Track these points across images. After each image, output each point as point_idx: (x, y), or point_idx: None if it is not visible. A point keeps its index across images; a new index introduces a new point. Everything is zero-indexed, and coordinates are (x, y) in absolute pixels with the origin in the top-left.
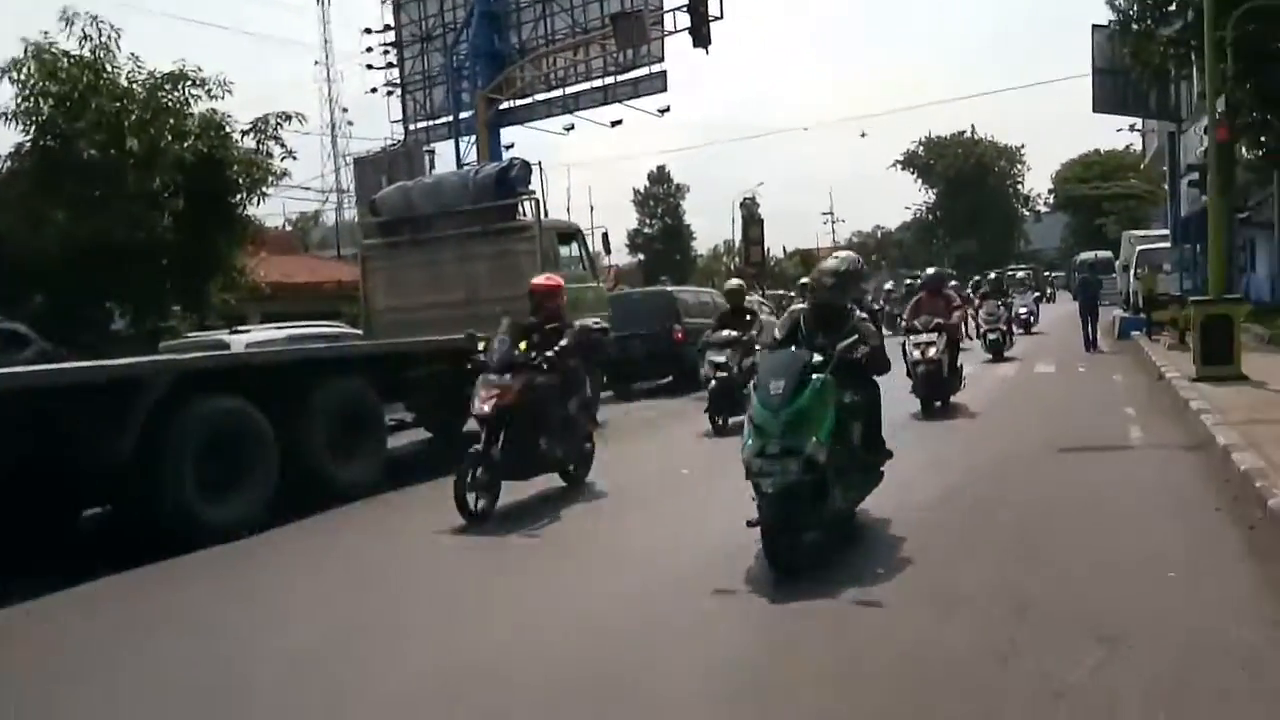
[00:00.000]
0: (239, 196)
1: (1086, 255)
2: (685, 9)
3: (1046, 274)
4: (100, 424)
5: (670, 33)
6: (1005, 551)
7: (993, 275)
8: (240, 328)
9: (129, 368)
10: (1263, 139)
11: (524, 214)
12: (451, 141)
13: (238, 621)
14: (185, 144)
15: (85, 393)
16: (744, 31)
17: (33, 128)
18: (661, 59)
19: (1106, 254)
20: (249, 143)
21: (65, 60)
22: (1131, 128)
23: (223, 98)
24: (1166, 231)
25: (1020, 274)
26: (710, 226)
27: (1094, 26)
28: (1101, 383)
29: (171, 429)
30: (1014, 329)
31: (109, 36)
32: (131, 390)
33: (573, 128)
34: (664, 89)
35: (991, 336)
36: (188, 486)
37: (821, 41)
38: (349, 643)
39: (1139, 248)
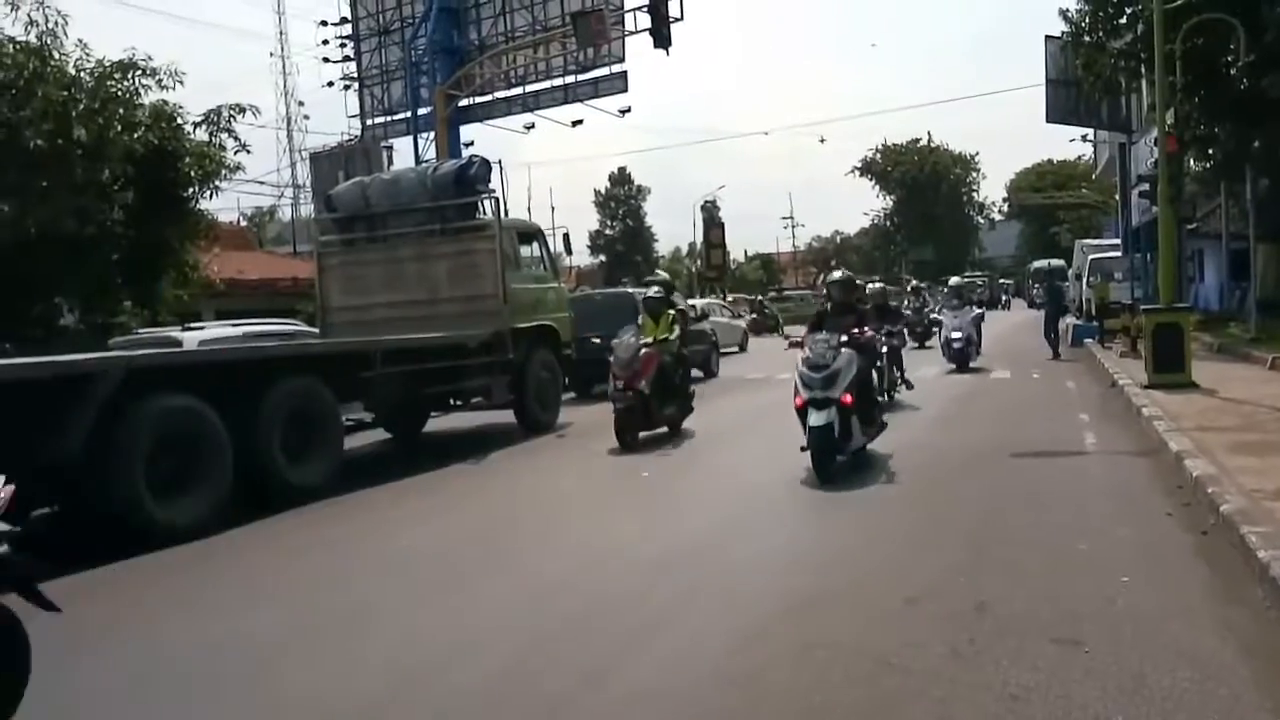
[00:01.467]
0: (191, 190)
1: (1040, 263)
2: (646, 9)
3: (1003, 282)
4: (48, 421)
5: (631, 33)
6: (962, 550)
7: (953, 281)
8: (193, 325)
9: (78, 364)
10: (1210, 151)
11: (483, 213)
12: (410, 137)
13: (195, 624)
14: (135, 135)
15: (32, 389)
16: (704, 34)
17: None
18: (622, 59)
19: (1059, 262)
20: (201, 135)
21: (10, 46)
22: (1084, 138)
23: (174, 88)
24: (1118, 241)
25: (954, 281)
26: (671, 228)
27: (1047, 38)
28: (1055, 389)
29: (122, 427)
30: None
31: (56, 23)
32: (80, 387)
33: (533, 126)
34: (625, 89)
35: (956, 345)
36: (139, 486)
37: (782, 47)
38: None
39: (1091, 256)
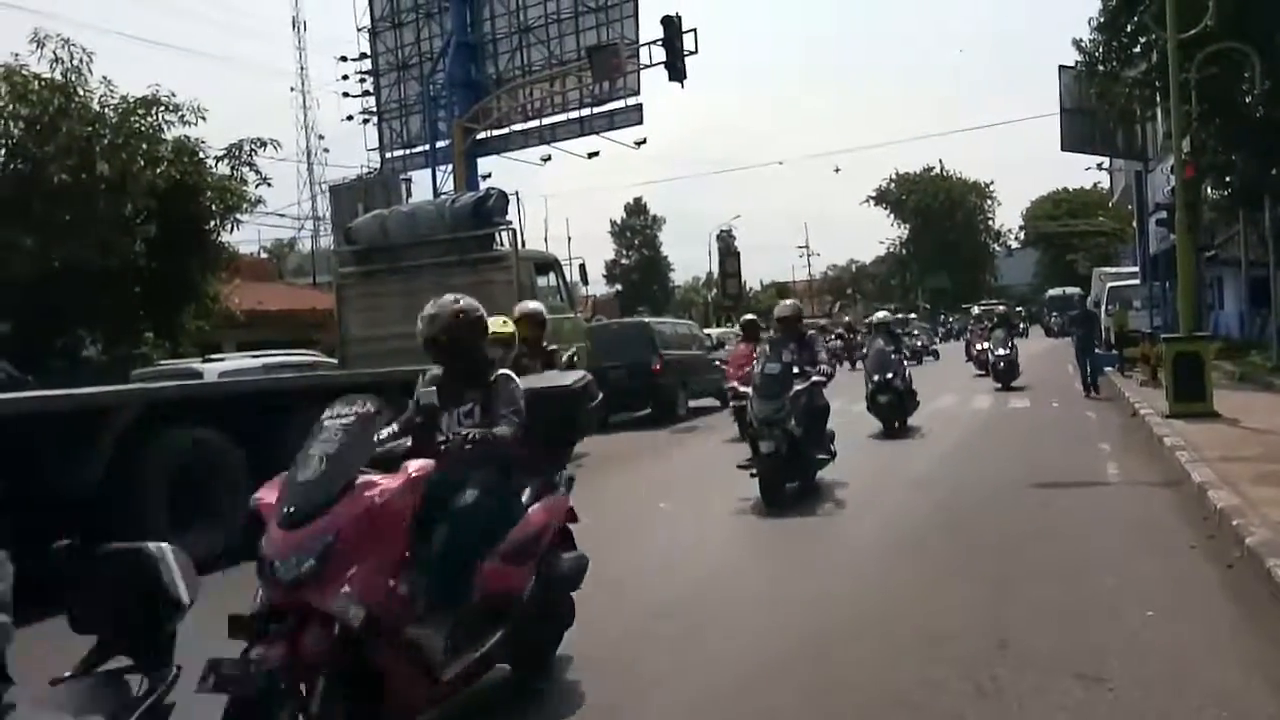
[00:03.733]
0: (213, 223)
1: (1055, 291)
2: (660, 43)
3: (1019, 309)
4: (69, 453)
5: (646, 66)
6: (985, 585)
7: (977, 310)
8: (214, 356)
9: (98, 396)
10: (1227, 178)
11: (501, 244)
12: (428, 170)
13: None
14: (158, 169)
15: (52, 421)
16: (719, 66)
17: (2, 151)
18: (637, 92)
19: (1074, 290)
20: (223, 169)
21: (36, 83)
22: (1099, 166)
23: (196, 123)
24: (1136, 269)
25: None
26: (687, 258)
27: (1061, 67)
28: (1076, 419)
29: (142, 459)
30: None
31: (81, 60)
32: (101, 419)
33: (549, 158)
34: (640, 121)
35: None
36: (159, 517)
37: (794, 78)
38: None
39: (1109, 284)
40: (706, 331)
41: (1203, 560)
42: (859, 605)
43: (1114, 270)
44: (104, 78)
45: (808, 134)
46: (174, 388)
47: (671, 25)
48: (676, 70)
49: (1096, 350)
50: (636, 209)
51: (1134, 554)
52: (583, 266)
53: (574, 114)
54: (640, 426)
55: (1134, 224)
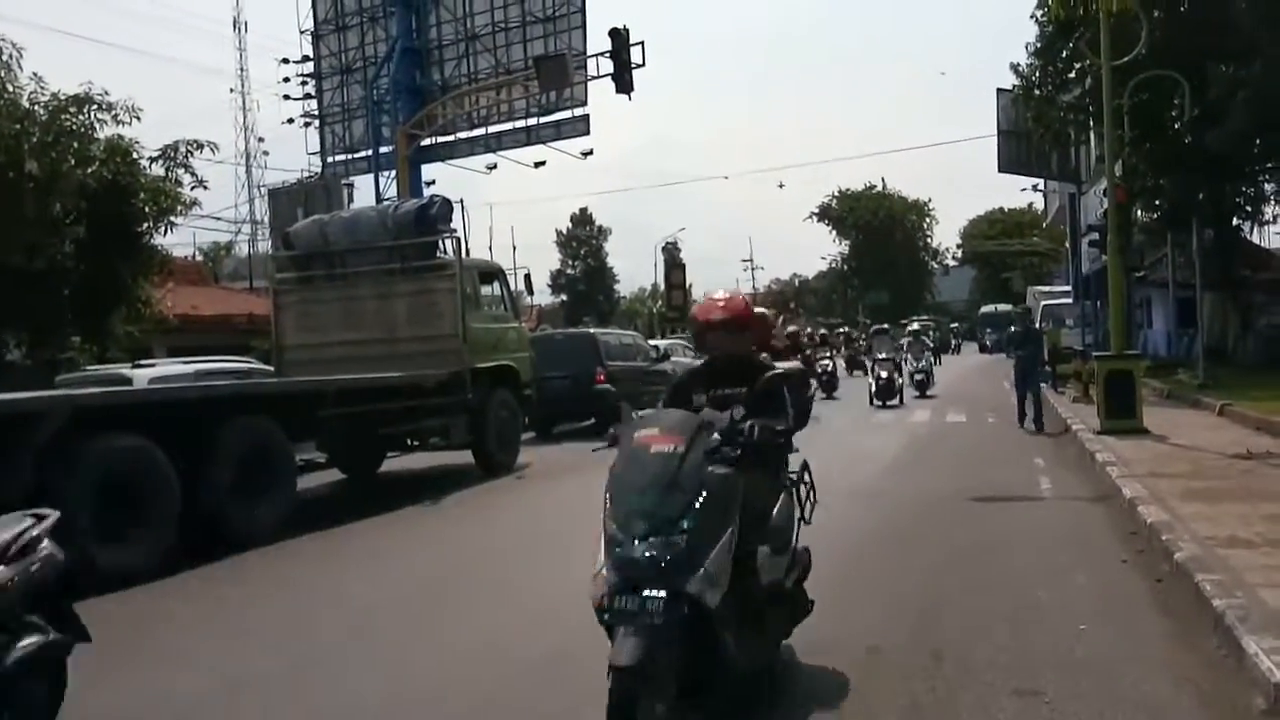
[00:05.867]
0: (145, 225)
1: (988, 308)
2: (608, 55)
3: (954, 325)
4: None
5: (593, 77)
6: (920, 599)
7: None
8: (144, 361)
9: (22, 403)
10: (1157, 202)
11: (445, 252)
12: (371, 175)
13: (126, 679)
14: (89, 169)
15: None
16: (666, 80)
17: None
18: (584, 103)
19: (1007, 306)
20: (158, 170)
21: None
22: (1034, 187)
23: (131, 123)
24: (1069, 288)
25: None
26: (632, 269)
27: (999, 90)
28: (1010, 434)
29: (67, 468)
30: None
31: (10, 55)
32: (24, 427)
33: (495, 167)
34: (587, 132)
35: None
36: (83, 529)
37: (742, 94)
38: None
39: (1043, 302)
40: (653, 342)
41: (1133, 574)
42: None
43: (1047, 289)
44: (34, 74)
45: (753, 150)
46: (102, 394)
47: (619, 38)
48: (624, 82)
49: (1042, 375)
50: (582, 219)
51: (1067, 568)
52: (528, 276)
53: (520, 123)
54: (583, 437)
55: (1067, 244)
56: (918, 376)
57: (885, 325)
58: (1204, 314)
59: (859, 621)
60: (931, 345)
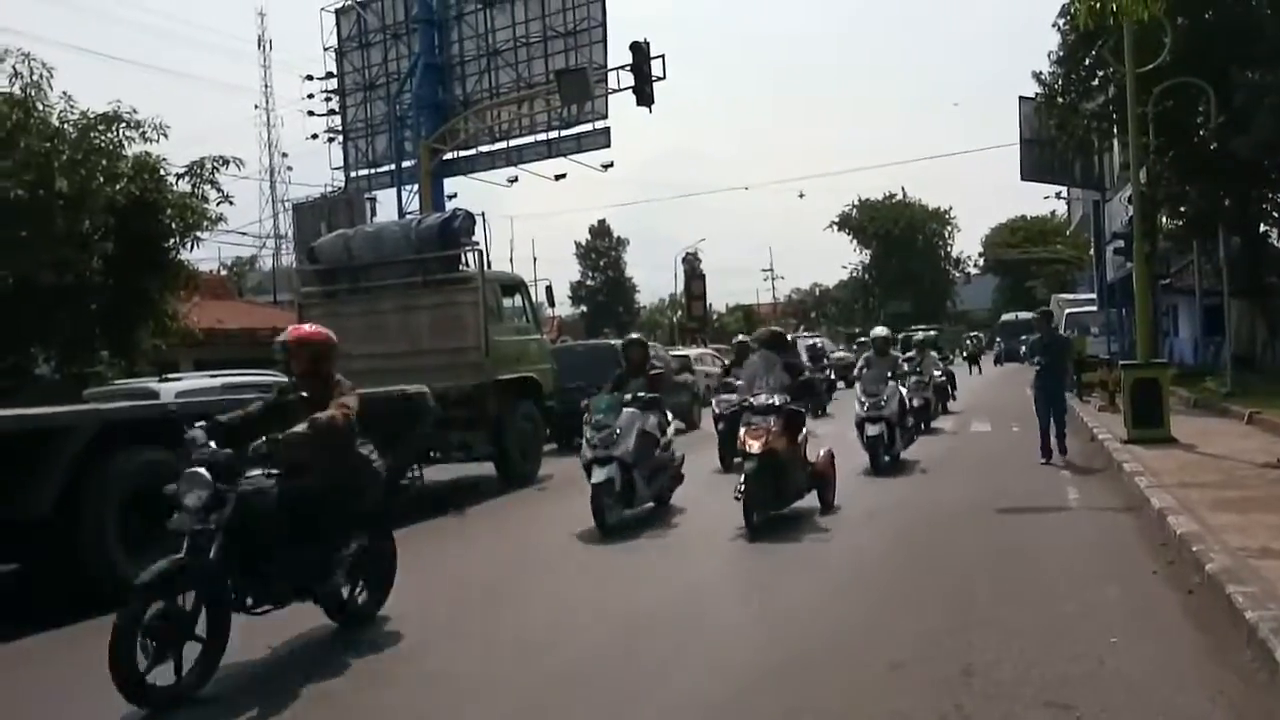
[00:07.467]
0: (172, 240)
1: (1008, 316)
2: (629, 68)
3: (972, 334)
4: (20, 476)
5: (614, 90)
6: (948, 611)
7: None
8: (170, 375)
9: (51, 417)
10: (1182, 209)
11: (467, 265)
12: (393, 190)
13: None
14: (117, 186)
15: (5, 442)
16: (687, 91)
17: None
18: (605, 115)
19: (1027, 315)
20: (184, 186)
21: None
22: (1058, 195)
23: (158, 140)
24: (1093, 295)
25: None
26: (652, 279)
27: (1021, 99)
28: (1035, 443)
29: (95, 482)
30: None
31: (41, 75)
32: (53, 440)
33: (516, 180)
34: (607, 144)
35: (871, 432)
36: (111, 542)
37: (762, 104)
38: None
39: (1067, 310)
40: (677, 353)
41: (1164, 586)
42: (823, 633)
43: (1071, 297)
44: (64, 93)
45: (773, 160)
46: (130, 408)
47: (640, 51)
48: (644, 95)
49: (1066, 388)
50: (601, 231)
51: (1096, 579)
52: (549, 288)
53: (541, 136)
54: None
55: (1091, 252)
56: (909, 422)
57: (884, 332)
58: (1231, 321)
59: (884, 635)
60: (940, 366)
